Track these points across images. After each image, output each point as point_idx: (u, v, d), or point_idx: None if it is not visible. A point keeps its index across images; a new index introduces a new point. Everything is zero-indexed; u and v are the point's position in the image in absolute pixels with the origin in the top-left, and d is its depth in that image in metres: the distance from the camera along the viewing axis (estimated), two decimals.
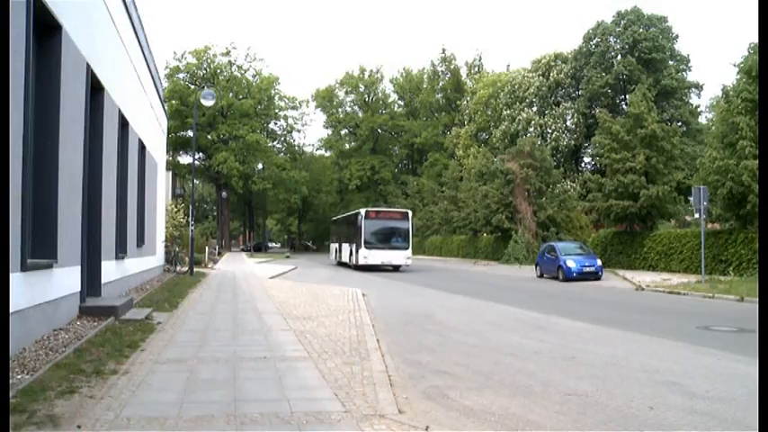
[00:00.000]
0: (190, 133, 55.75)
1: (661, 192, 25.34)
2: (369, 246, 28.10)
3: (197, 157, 58.62)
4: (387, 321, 10.35)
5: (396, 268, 28.64)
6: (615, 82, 45.67)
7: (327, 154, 77.38)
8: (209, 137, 59.55)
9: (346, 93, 74.91)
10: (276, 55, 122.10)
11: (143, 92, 15.27)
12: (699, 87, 47.34)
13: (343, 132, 75.36)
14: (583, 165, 52.17)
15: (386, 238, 28.78)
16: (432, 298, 15.14)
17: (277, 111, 66.17)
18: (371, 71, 73.98)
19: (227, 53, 61.81)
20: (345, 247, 32.52)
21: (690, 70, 47.11)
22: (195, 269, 21.02)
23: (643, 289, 18.23)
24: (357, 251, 28.82)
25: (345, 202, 69.62)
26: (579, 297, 16.05)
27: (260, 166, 62.92)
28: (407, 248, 28.72)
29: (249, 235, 76.56)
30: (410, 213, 30.83)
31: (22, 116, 6.05)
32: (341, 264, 33.55)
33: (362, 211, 29.91)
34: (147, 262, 16.13)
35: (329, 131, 76.24)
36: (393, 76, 76.17)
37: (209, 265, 28.00)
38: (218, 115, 59.61)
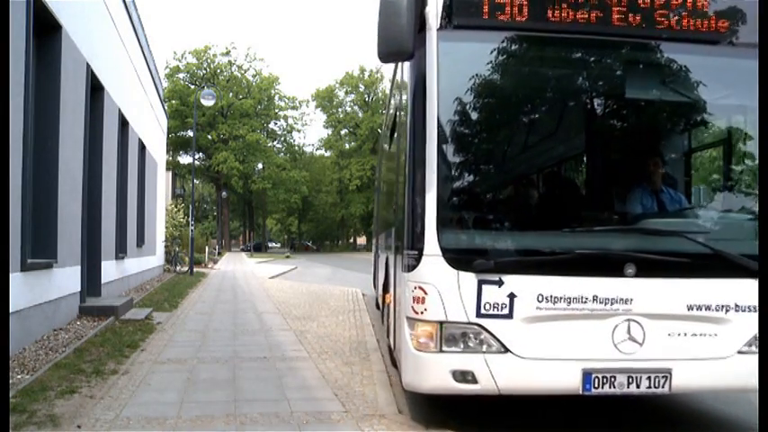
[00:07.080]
0: (190, 133, 55.77)
1: None
2: (459, 258, 3.65)
3: (197, 156, 58.65)
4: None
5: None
6: None
7: (327, 154, 77.31)
8: (209, 137, 59.62)
9: (346, 93, 74.87)
10: (276, 55, 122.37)
11: (143, 92, 15.27)
12: None
13: (343, 132, 75.30)
14: None
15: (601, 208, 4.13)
16: None
17: (277, 111, 66.27)
18: (371, 71, 73.88)
19: (227, 53, 61.92)
20: (389, 260, 6.22)
21: None
22: (195, 269, 21.01)
23: None
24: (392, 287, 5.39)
25: (345, 202, 69.61)
26: None
27: (260, 165, 63.00)
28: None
29: (249, 235, 76.56)
30: None
31: (22, 116, 6.05)
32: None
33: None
34: (147, 262, 16.12)
35: (329, 131, 76.25)
36: None
37: (210, 265, 28.00)
38: (218, 115, 59.65)
